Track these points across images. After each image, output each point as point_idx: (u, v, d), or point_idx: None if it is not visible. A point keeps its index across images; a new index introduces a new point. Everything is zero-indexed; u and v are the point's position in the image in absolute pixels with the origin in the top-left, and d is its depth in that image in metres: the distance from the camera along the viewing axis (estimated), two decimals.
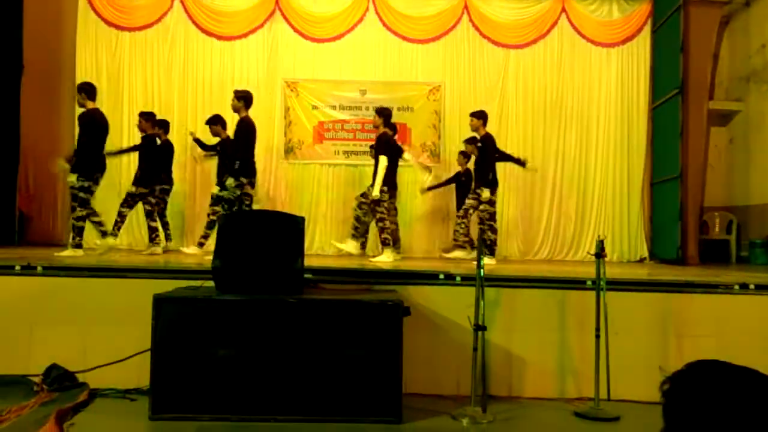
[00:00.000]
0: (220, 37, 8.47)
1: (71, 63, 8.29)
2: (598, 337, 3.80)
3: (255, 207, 6.87)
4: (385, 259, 6.32)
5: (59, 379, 3.95)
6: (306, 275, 4.12)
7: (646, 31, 8.60)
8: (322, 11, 8.52)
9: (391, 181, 6.68)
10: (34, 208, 7.94)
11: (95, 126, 5.92)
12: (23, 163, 7.88)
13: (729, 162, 8.71)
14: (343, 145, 8.41)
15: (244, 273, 3.73)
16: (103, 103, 8.10)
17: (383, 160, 6.46)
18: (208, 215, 6.98)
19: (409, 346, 3.64)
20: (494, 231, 6.66)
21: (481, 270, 3.78)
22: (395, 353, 3.56)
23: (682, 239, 7.54)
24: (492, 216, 6.62)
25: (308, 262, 4.15)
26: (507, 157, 7.21)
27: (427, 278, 4.49)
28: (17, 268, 4.37)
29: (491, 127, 8.36)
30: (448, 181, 7.89)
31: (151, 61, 8.42)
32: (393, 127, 7.20)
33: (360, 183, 8.37)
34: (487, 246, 6.70)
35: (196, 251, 6.61)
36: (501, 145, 8.40)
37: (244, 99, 6.22)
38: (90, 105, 5.96)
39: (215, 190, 6.99)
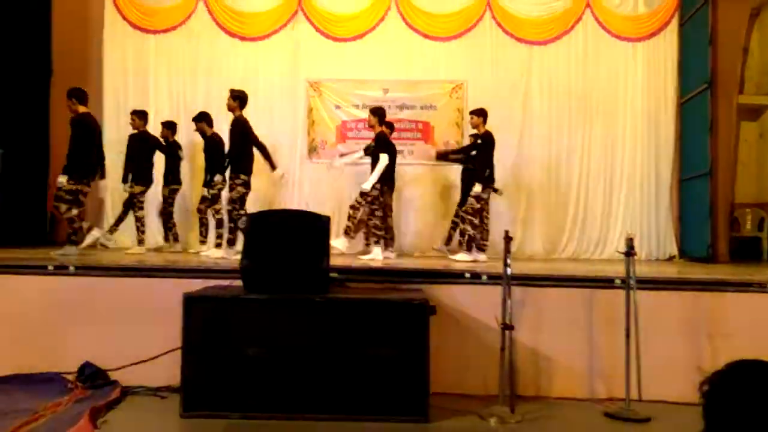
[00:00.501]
0: (243, 38, 8.53)
1: (99, 66, 8.42)
2: (628, 336, 3.75)
3: None
4: (340, 247, 6.33)
5: (92, 376, 4.04)
6: (332, 274, 4.14)
7: (674, 25, 8.43)
8: (344, 10, 8.52)
9: (389, 179, 6.78)
10: None
11: (86, 130, 6.01)
12: (53, 165, 8.02)
13: (760, 157, 8.51)
14: (366, 144, 8.40)
15: (272, 272, 3.76)
16: (129, 104, 8.28)
17: (384, 159, 6.52)
18: (213, 216, 7.01)
19: (435, 345, 3.64)
20: (474, 227, 6.63)
21: (508, 269, 3.77)
22: (422, 352, 3.56)
23: (712, 237, 7.38)
24: (475, 212, 6.59)
25: (333, 261, 4.17)
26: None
27: (453, 277, 4.48)
28: (50, 267, 4.47)
29: (515, 125, 8.40)
30: (457, 152, 7.73)
31: (176, 62, 8.51)
32: (390, 126, 7.24)
33: None
34: (464, 241, 6.69)
35: (216, 252, 6.67)
36: (525, 142, 8.42)
37: (239, 98, 6.27)
38: (82, 110, 6.05)
39: (204, 191, 6.99)
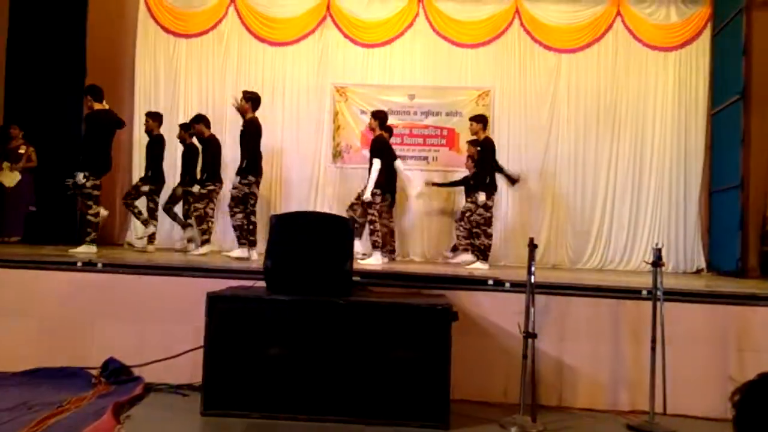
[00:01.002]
0: (272, 43, 8.63)
1: (131, 68, 8.61)
2: (653, 348, 3.68)
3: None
4: (374, 262, 6.34)
5: (116, 372, 4.09)
6: (354, 278, 4.14)
7: (706, 34, 8.30)
8: (372, 17, 8.58)
9: (388, 184, 6.78)
10: None
11: (99, 126, 6.09)
12: None
13: None
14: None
15: (295, 274, 3.77)
16: (160, 106, 8.43)
17: (377, 163, 6.52)
18: (191, 214, 7.08)
19: (457, 351, 3.62)
20: (488, 236, 6.60)
21: (532, 276, 3.73)
22: (443, 358, 3.54)
23: (742, 250, 7.21)
24: (487, 221, 6.56)
25: (356, 265, 4.18)
26: (500, 170, 7.05)
27: (477, 284, 4.45)
28: (78, 264, 4.56)
29: (542, 133, 8.34)
30: (454, 183, 7.82)
31: (206, 66, 8.64)
32: (389, 130, 7.28)
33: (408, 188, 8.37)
34: (480, 251, 6.65)
35: (203, 249, 6.75)
36: (552, 150, 8.35)
37: (252, 100, 6.33)
38: (97, 106, 6.14)
39: (196, 189, 7.02)
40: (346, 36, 8.58)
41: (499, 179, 6.93)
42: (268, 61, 8.63)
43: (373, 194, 6.49)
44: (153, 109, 8.04)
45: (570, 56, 8.43)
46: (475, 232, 6.66)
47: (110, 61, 8.36)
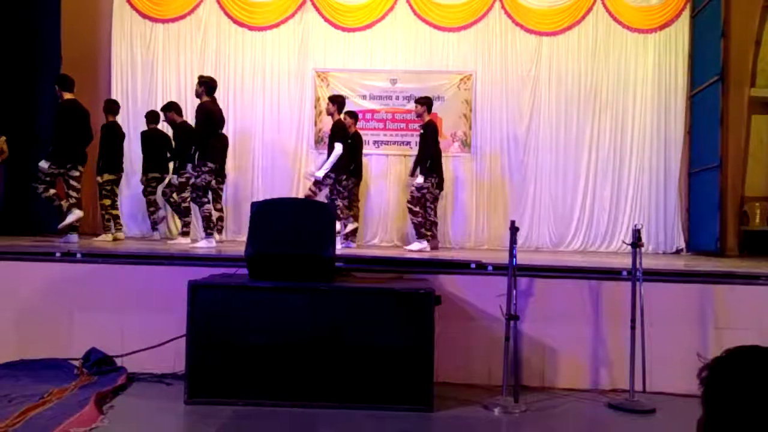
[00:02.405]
0: (251, 28, 8.52)
1: (107, 55, 8.46)
2: (633, 328, 3.74)
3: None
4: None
5: (98, 363, 4.06)
6: (337, 263, 4.13)
7: (685, 16, 8.35)
8: (352, 0, 8.50)
9: (354, 168, 6.87)
10: None
11: (67, 117, 6.02)
12: None
13: None
14: (373, 135, 8.39)
15: (277, 260, 3.76)
16: (138, 94, 8.34)
17: (338, 147, 6.52)
18: (178, 204, 7.01)
19: (440, 335, 3.64)
20: (415, 215, 6.64)
21: (514, 259, 3.75)
22: (427, 342, 3.56)
23: (720, 230, 7.33)
24: (416, 201, 6.60)
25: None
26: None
27: (459, 267, 4.47)
28: (57, 255, 4.50)
29: (523, 116, 8.36)
30: (415, 165, 7.69)
31: (184, 52, 8.52)
32: (353, 115, 7.32)
33: (390, 173, 8.37)
34: (415, 229, 6.76)
35: (183, 240, 6.72)
36: (533, 134, 8.38)
37: (206, 85, 6.17)
38: (66, 96, 6.06)
39: (175, 180, 7.01)
40: (326, 20, 8.49)
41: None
42: (248, 46, 8.53)
43: (325, 176, 6.48)
44: (131, 97, 7.95)
45: (551, 39, 8.44)
46: (413, 211, 6.66)
47: (86, 48, 8.23)
